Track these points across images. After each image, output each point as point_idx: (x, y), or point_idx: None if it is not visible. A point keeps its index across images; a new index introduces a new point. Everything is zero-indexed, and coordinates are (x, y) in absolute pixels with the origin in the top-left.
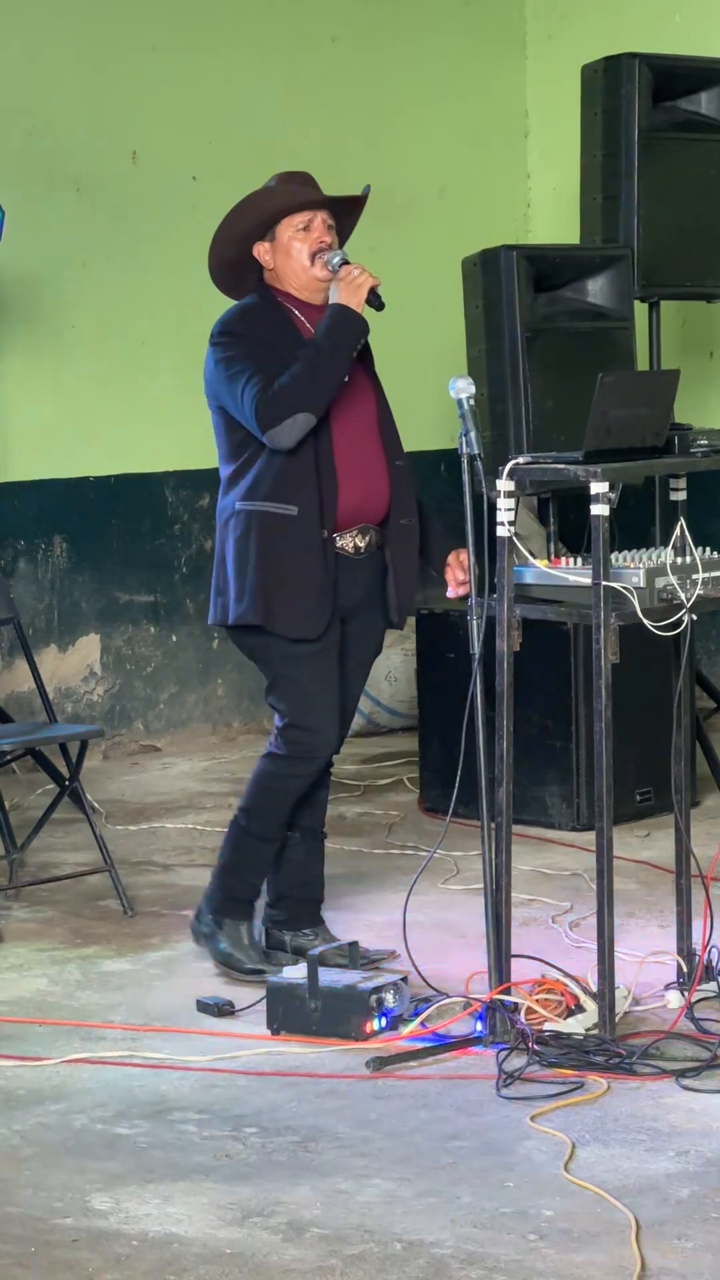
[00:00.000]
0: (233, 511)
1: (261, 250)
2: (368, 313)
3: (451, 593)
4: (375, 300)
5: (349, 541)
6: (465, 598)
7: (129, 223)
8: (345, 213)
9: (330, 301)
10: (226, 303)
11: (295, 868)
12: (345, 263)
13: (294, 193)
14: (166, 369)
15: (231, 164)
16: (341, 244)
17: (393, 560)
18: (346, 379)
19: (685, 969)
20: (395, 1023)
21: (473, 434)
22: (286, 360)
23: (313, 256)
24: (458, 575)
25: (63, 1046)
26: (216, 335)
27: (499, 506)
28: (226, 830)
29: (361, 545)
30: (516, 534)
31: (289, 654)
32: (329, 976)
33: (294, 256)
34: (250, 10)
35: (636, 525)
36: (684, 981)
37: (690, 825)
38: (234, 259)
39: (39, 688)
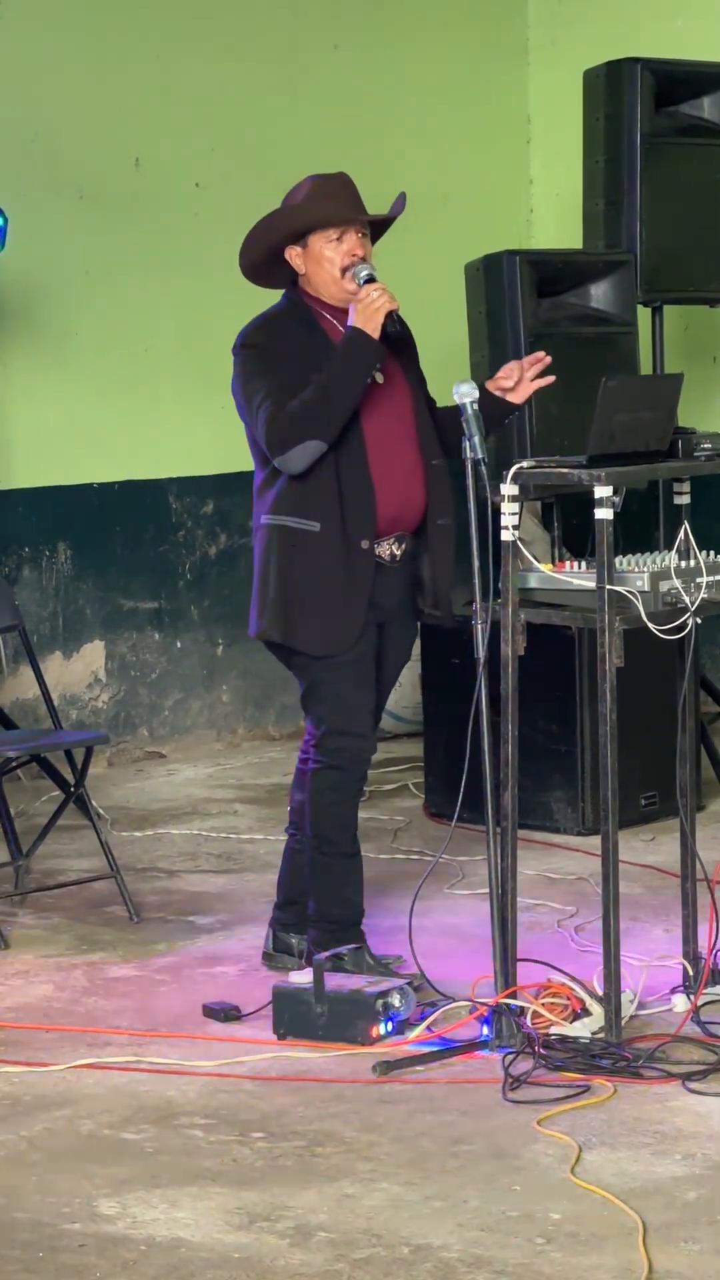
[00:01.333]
0: (260, 525)
1: (293, 254)
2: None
3: (525, 379)
4: (393, 325)
5: (385, 550)
6: (470, 603)
7: (132, 230)
8: (378, 223)
9: (349, 323)
10: (232, 309)
11: (306, 871)
12: (371, 280)
13: (332, 208)
14: (169, 375)
15: (234, 171)
16: (374, 243)
17: (431, 561)
18: (380, 379)
19: (691, 972)
20: (401, 1027)
21: (477, 439)
22: (308, 371)
23: (344, 270)
24: (512, 374)
25: (69, 1052)
26: (238, 347)
27: (503, 511)
28: (306, 871)
29: (397, 553)
30: (520, 539)
31: (333, 665)
32: (335, 981)
33: (325, 267)
34: (253, 18)
35: (640, 530)
36: (690, 985)
37: (695, 829)
38: (264, 261)
39: (44, 694)
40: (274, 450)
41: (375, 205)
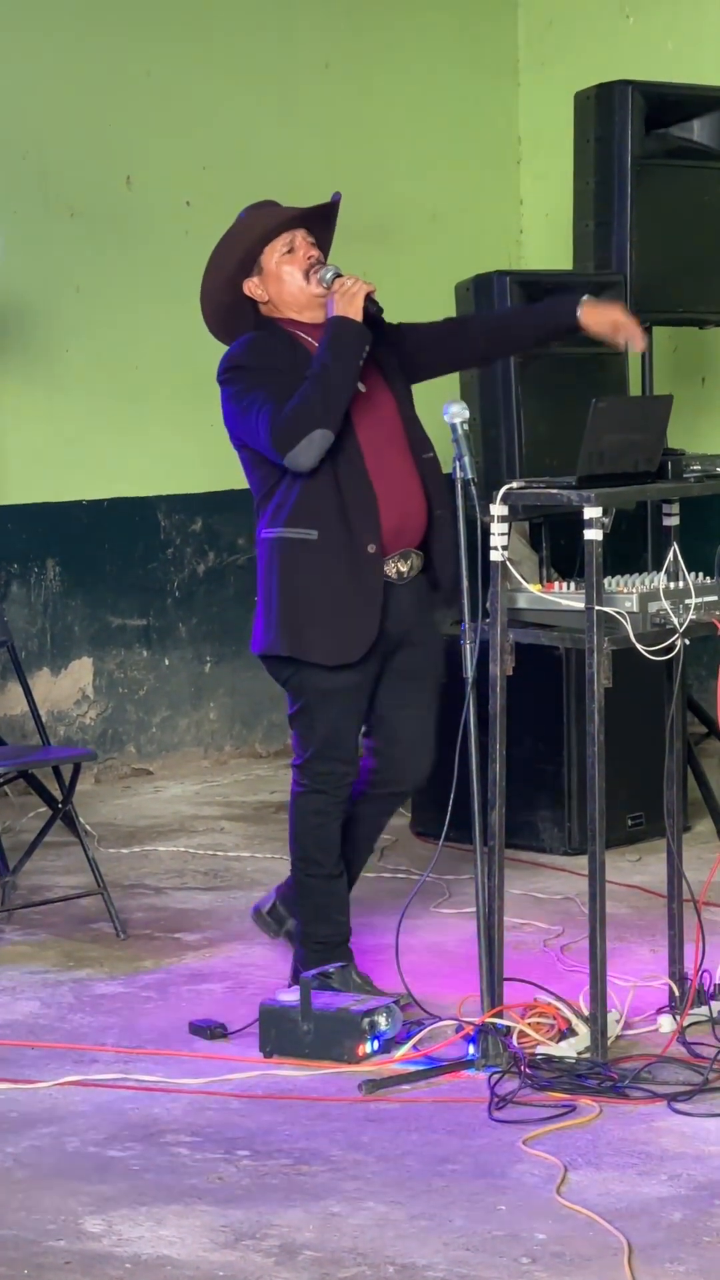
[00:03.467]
0: (260, 541)
1: (252, 285)
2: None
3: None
4: (373, 305)
5: (392, 567)
6: (459, 623)
7: (123, 247)
8: (321, 226)
9: (328, 315)
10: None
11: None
12: (338, 275)
13: (268, 214)
14: (160, 393)
15: (225, 189)
16: (324, 259)
17: (436, 554)
18: (363, 388)
19: (677, 993)
20: (388, 1046)
21: (466, 459)
22: (297, 383)
23: (306, 274)
24: (611, 319)
25: (55, 1069)
26: (224, 373)
27: (492, 531)
28: (288, 896)
29: (404, 570)
30: (509, 559)
31: (324, 685)
32: (321, 1000)
33: (286, 280)
34: (244, 36)
35: (628, 551)
36: (676, 1005)
37: (682, 850)
38: (228, 303)
39: (32, 711)
40: (282, 448)
41: (356, 227)
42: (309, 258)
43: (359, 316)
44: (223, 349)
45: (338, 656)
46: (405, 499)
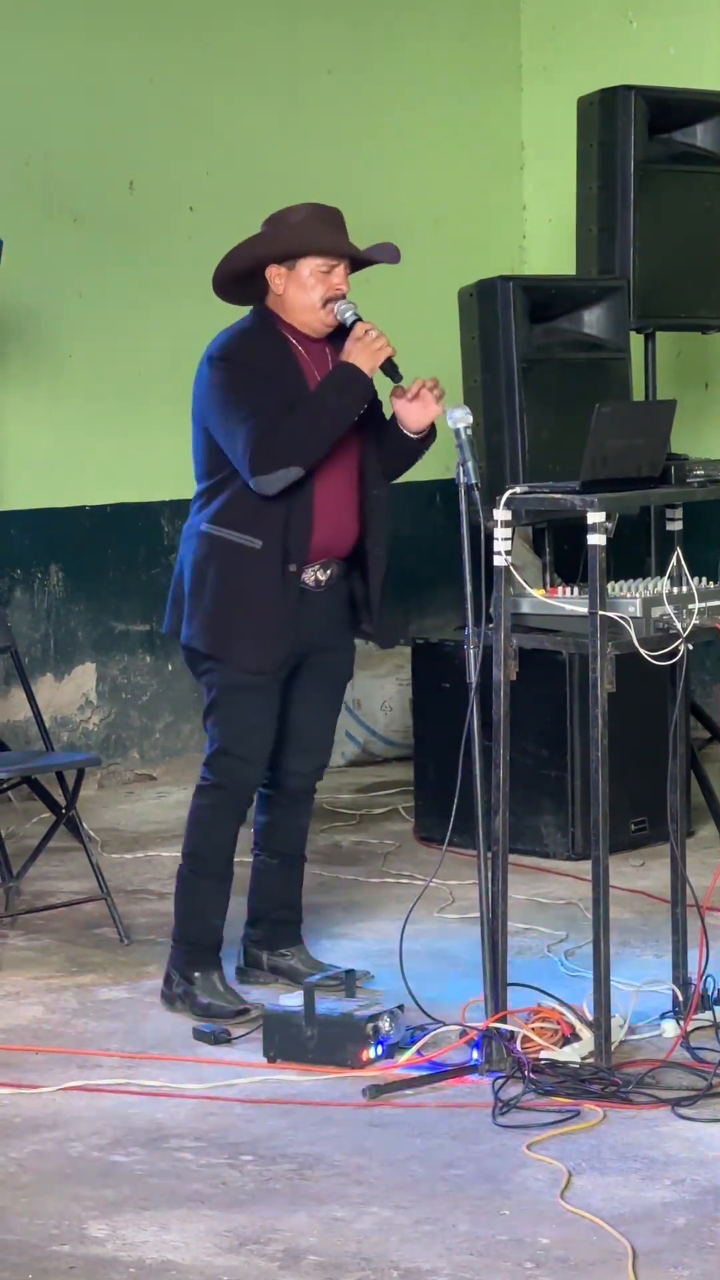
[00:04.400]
0: (197, 532)
1: (275, 273)
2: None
3: (420, 398)
4: (391, 369)
5: (310, 575)
6: (462, 628)
7: (126, 253)
8: (357, 261)
9: (343, 358)
10: (222, 328)
11: (273, 891)
12: (357, 319)
13: (331, 239)
14: (163, 398)
15: (228, 195)
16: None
17: (366, 586)
18: None
19: (681, 998)
20: (391, 1051)
21: (470, 464)
22: (284, 391)
23: (325, 301)
24: (411, 390)
25: (59, 1074)
26: (215, 358)
27: (496, 536)
28: (175, 887)
29: (322, 579)
30: (513, 564)
31: (238, 682)
32: (325, 1004)
33: (307, 293)
34: (247, 42)
35: (631, 556)
36: (679, 1010)
37: (685, 854)
38: (246, 270)
39: (35, 716)
40: (256, 470)
41: (360, 232)
42: (337, 289)
43: (372, 374)
44: (216, 329)
45: (256, 665)
46: (337, 520)
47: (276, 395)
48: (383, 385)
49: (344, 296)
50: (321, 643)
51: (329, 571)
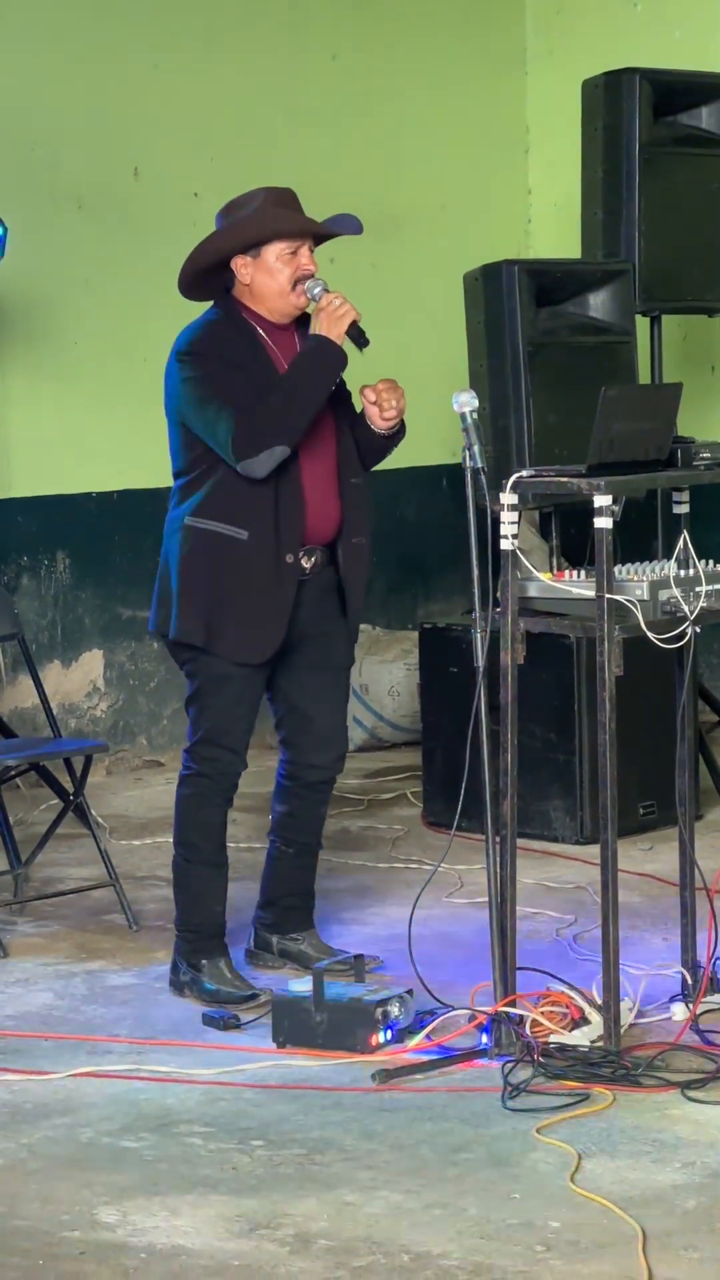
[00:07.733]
0: (180, 525)
1: (241, 264)
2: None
3: (376, 409)
4: (357, 335)
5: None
6: (469, 612)
7: (131, 239)
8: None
9: (310, 331)
10: None
11: (286, 876)
12: (325, 290)
13: (291, 221)
14: None
15: (233, 180)
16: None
17: (346, 577)
18: None
19: (690, 981)
20: (401, 1035)
21: (476, 448)
22: (256, 381)
23: (294, 282)
24: (369, 396)
25: (69, 1060)
26: (183, 353)
27: (503, 520)
28: (173, 877)
29: (307, 566)
30: (519, 548)
31: (224, 673)
32: (334, 989)
33: (276, 278)
34: (251, 27)
35: (638, 539)
36: (689, 994)
37: (694, 838)
38: (213, 268)
39: (43, 703)
40: (242, 454)
41: (366, 218)
42: (305, 269)
43: (340, 340)
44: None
45: (246, 656)
46: (323, 517)
47: (246, 384)
48: (354, 381)
49: (312, 275)
50: (308, 629)
51: (313, 558)
